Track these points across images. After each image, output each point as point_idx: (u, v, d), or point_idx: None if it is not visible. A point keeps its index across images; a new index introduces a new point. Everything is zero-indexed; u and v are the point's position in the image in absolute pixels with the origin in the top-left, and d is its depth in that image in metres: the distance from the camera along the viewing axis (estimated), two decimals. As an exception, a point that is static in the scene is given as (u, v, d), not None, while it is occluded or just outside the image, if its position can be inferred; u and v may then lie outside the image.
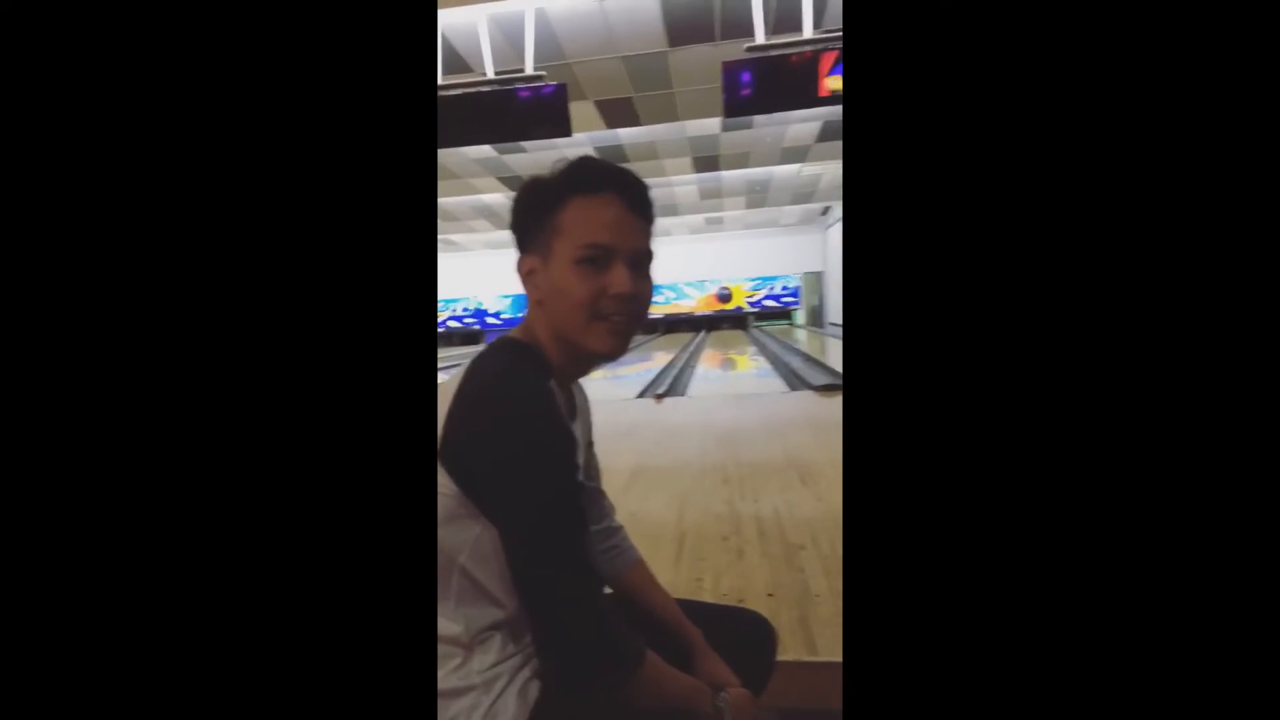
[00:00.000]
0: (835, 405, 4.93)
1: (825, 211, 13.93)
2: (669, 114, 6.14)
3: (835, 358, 8.46)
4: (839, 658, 1.50)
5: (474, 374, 0.67)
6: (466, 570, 0.66)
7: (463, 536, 0.65)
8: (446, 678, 0.67)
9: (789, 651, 1.51)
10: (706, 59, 4.99)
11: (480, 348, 0.73)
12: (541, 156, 6.85)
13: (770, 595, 1.73)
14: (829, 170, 10.36)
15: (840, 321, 12.88)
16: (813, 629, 1.60)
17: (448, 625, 0.66)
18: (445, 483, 0.63)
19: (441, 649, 0.67)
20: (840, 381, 5.72)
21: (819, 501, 2.53)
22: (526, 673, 0.68)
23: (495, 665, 0.67)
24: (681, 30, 4.65)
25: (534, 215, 0.71)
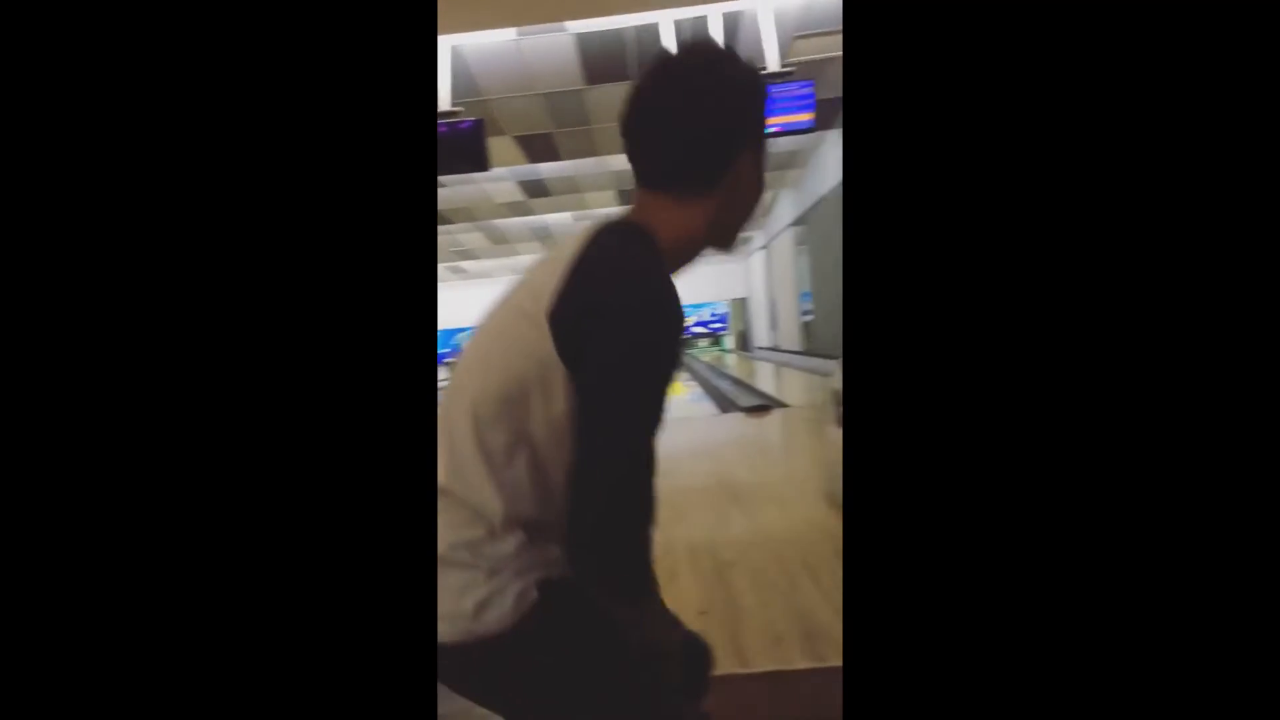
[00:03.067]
0: (764, 426, 5.07)
1: (747, 240, 14.47)
2: (588, 149, 6.27)
3: (763, 380, 8.71)
4: (773, 667, 1.53)
5: (603, 241, 0.62)
6: (537, 448, 0.60)
7: (543, 411, 0.59)
8: (456, 547, 0.62)
9: (723, 665, 1.53)
10: (624, 96, 5.14)
11: None
12: (460, 191, 6.81)
13: (703, 613, 1.75)
14: (748, 201, 10.78)
15: (767, 345, 13.29)
16: (744, 641, 1.62)
17: (488, 498, 0.61)
18: (543, 344, 0.58)
19: (468, 515, 0.62)
20: (767, 403, 5.90)
21: (748, 519, 2.59)
22: (531, 579, 0.62)
23: (507, 558, 0.62)
24: (598, 68, 4.79)
25: (762, 111, 0.66)
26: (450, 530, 0.62)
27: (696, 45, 0.64)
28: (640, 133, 0.64)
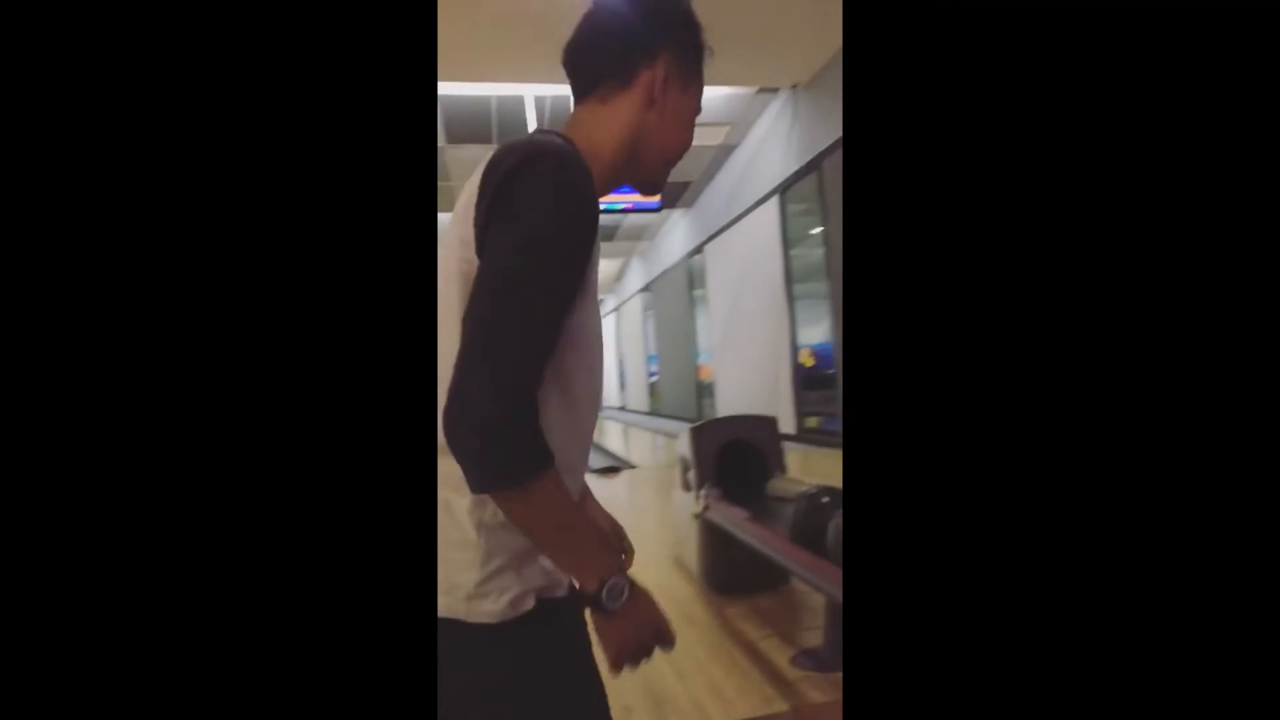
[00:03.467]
0: (614, 487, 5.16)
1: (599, 302, 14.90)
2: (446, 205, 6.21)
3: (613, 440, 8.86)
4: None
5: (517, 140, 0.61)
6: None
7: None
8: (452, 507, 0.59)
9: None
10: (482, 158, 5.21)
11: None
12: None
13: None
14: (600, 266, 11.24)
15: (615, 405, 13.59)
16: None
17: None
18: (467, 253, 0.58)
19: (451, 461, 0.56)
20: (617, 465, 6.02)
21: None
22: (531, 588, 0.61)
23: (503, 536, 0.59)
24: (459, 129, 4.83)
25: (678, 21, 0.70)
26: (446, 485, 0.60)
27: None
28: (575, 49, 0.70)
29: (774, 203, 5.50)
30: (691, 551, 2.60)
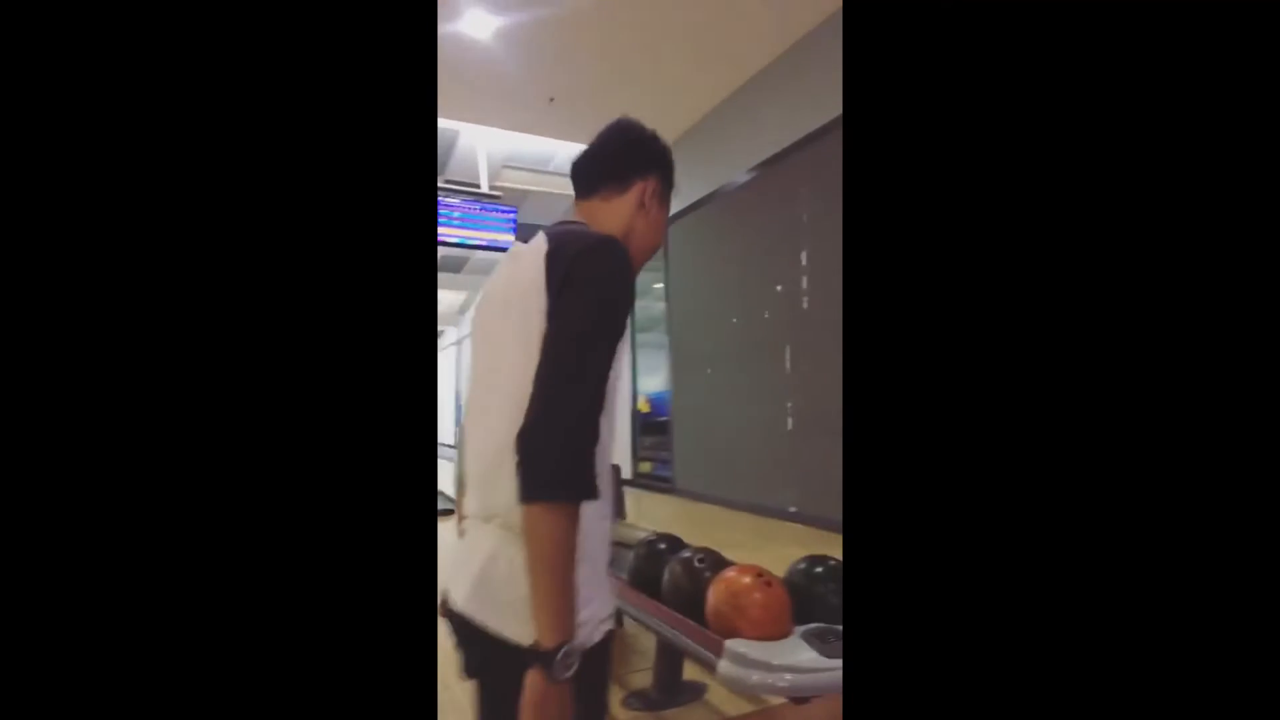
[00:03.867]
0: (446, 530, 4.93)
1: (440, 334, 14.33)
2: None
3: (445, 481, 8.45)
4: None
5: (557, 230, 0.81)
6: None
7: None
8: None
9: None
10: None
11: None
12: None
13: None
14: (444, 298, 10.92)
15: (450, 442, 13.00)
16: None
17: None
18: (539, 319, 0.73)
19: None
20: (449, 506, 5.76)
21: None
22: (602, 611, 0.74)
23: (582, 566, 0.70)
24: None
25: (664, 158, 0.95)
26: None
27: (623, 120, 0.97)
28: (582, 165, 0.96)
29: (622, 256, 5.72)
30: (528, 598, 2.58)
